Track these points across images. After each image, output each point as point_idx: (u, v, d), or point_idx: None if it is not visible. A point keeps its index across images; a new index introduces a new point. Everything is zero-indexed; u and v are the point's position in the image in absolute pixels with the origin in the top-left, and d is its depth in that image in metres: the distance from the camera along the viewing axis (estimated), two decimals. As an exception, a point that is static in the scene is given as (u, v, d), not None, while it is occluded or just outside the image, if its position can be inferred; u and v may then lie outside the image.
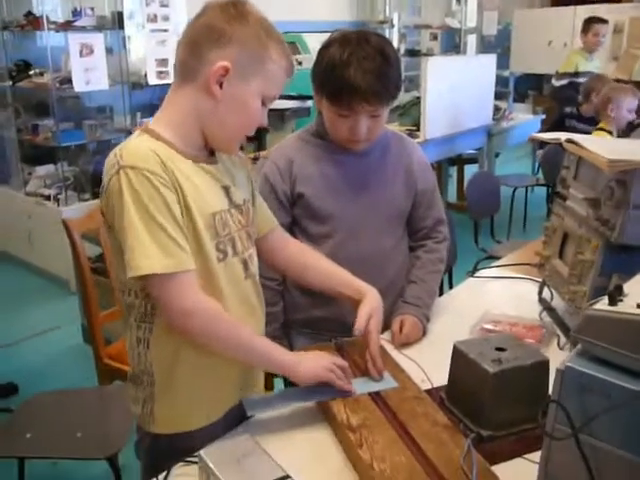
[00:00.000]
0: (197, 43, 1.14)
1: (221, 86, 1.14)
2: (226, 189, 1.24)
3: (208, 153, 1.24)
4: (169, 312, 1.14)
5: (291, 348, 1.66)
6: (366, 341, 1.35)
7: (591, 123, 4.21)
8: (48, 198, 4.26)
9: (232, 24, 1.13)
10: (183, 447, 1.18)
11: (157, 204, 1.09)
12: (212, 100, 1.15)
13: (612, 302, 0.90)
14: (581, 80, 4.85)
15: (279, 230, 1.46)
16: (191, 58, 1.15)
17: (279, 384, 1.91)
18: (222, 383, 1.26)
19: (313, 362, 1.26)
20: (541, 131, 4.95)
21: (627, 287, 0.95)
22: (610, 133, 3.82)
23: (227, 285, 1.21)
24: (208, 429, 1.24)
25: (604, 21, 5.28)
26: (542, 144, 4.70)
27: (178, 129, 1.17)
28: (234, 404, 1.30)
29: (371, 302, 1.38)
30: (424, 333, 1.63)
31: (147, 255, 1.07)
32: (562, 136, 1.61)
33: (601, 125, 3.94)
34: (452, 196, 5.84)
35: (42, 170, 4.46)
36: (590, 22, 5.28)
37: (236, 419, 1.27)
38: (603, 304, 0.91)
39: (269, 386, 2.12)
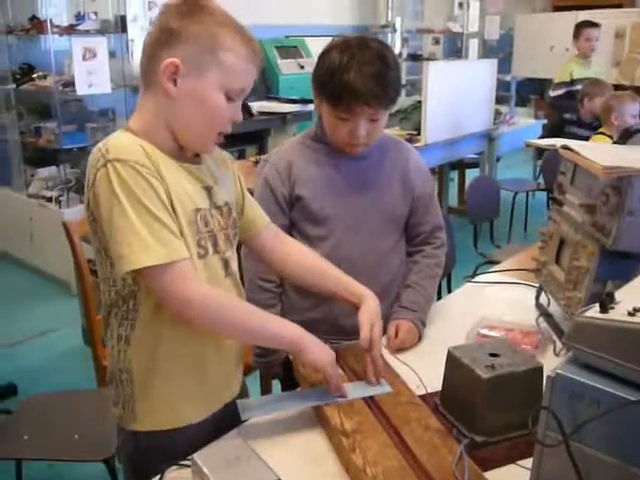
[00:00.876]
0: (152, 47, 1.15)
1: (175, 84, 1.13)
2: (208, 190, 1.24)
3: (192, 154, 1.24)
4: (167, 302, 1.13)
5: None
6: (369, 348, 1.34)
7: (590, 128, 4.22)
8: (50, 200, 4.28)
9: (182, 21, 1.12)
10: (166, 446, 1.19)
11: (148, 194, 1.08)
12: (170, 100, 1.14)
13: (603, 309, 0.90)
14: (578, 87, 4.82)
15: (272, 228, 1.46)
16: (148, 62, 1.15)
17: (276, 388, 1.92)
18: (202, 378, 1.26)
19: (321, 349, 1.25)
20: (542, 136, 4.94)
21: (619, 294, 0.95)
22: (611, 137, 3.83)
23: (207, 282, 1.20)
24: (192, 428, 1.25)
25: (594, 24, 5.10)
26: (540, 153, 4.70)
27: (153, 133, 1.17)
28: (219, 404, 1.30)
29: (370, 309, 1.37)
30: (420, 338, 1.63)
31: (144, 247, 1.07)
32: (558, 142, 1.62)
33: (602, 130, 3.95)
34: (453, 200, 5.85)
35: (44, 172, 4.48)
36: (580, 27, 5.11)
37: (226, 421, 1.27)
38: (594, 311, 0.91)
39: (266, 389, 2.13)
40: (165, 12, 1.15)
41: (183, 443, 1.14)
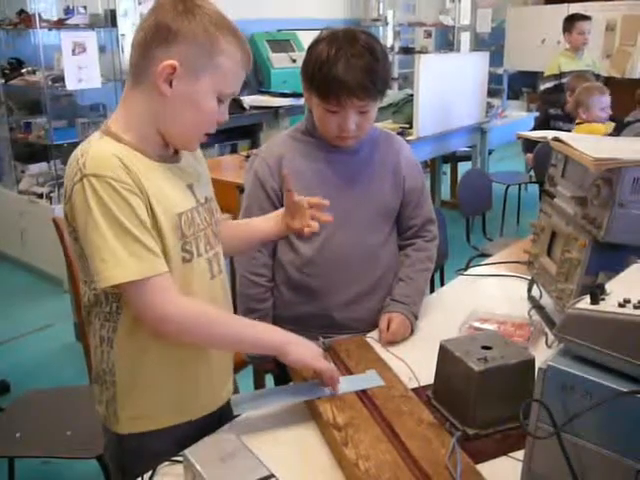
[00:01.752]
0: (146, 43, 1.12)
1: (171, 84, 1.12)
2: (191, 187, 1.24)
3: (172, 152, 1.23)
4: (144, 318, 1.14)
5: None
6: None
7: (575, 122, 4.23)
8: (41, 196, 4.25)
9: (179, 21, 1.10)
10: (150, 447, 1.18)
11: (123, 211, 1.08)
12: (163, 100, 1.13)
13: (594, 301, 0.90)
14: (567, 80, 4.81)
15: None
16: (141, 59, 1.13)
17: (269, 383, 1.92)
18: (188, 382, 1.25)
19: (304, 347, 1.26)
20: (533, 129, 4.94)
21: (610, 286, 0.96)
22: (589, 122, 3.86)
23: (193, 285, 1.20)
24: (178, 429, 1.24)
25: (586, 17, 5.05)
26: (528, 147, 4.70)
27: (137, 131, 1.15)
28: (207, 410, 1.29)
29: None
30: (412, 331, 1.63)
31: (118, 263, 1.07)
32: (549, 134, 1.61)
33: (579, 120, 3.99)
34: (445, 194, 5.85)
35: (35, 168, 4.45)
36: (572, 20, 5.05)
37: (214, 423, 1.26)
38: (585, 303, 0.91)
39: (260, 384, 2.13)
40: (159, 8, 1.12)
41: (168, 443, 1.14)
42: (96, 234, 1.07)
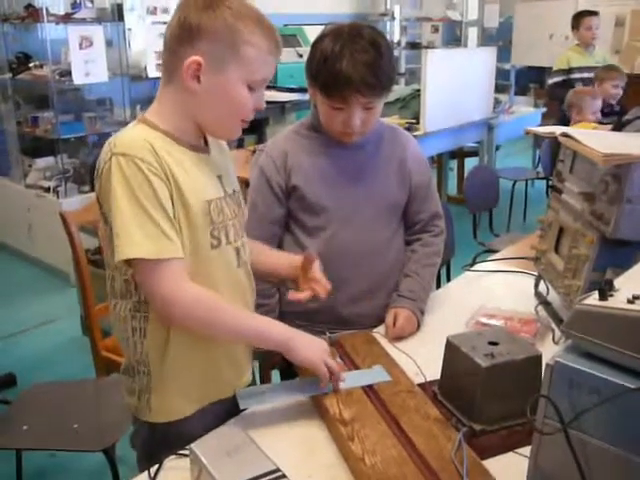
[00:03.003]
0: (172, 41, 1.16)
1: (199, 80, 1.15)
2: (220, 178, 1.27)
3: (204, 142, 1.26)
4: (151, 299, 1.16)
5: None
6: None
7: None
8: (48, 190, 4.26)
9: (201, 16, 1.13)
10: (179, 433, 1.20)
11: (145, 191, 1.10)
12: (194, 95, 1.16)
13: (602, 297, 0.90)
14: (576, 76, 4.80)
15: None
16: (169, 56, 1.17)
17: (276, 377, 1.92)
18: (215, 366, 1.28)
19: (308, 345, 1.26)
20: (542, 125, 4.92)
21: (618, 282, 0.95)
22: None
23: (219, 272, 1.23)
24: (203, 414, 1.27)
25: (594, 13, 5.05)
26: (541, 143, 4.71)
27: (171, 121, 1.19)
28: (229, 389, 1.31)
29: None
30: (418, 327, 1.63)
31: (131, 240, 1.10)
32: (557, 130, 1.60)
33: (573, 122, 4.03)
34: (452, 189, 5.83)
35: (42, 162, 4.46)
36: (580, 16, 5.06)
37: (233, 409, 1.28)
38: (593, 299, 0.91)
39: (266, 379, 2.13)
40: (183, 5, 1.15)
41: (196, 429, 1.16)
42: (117, 210, 1.10)
